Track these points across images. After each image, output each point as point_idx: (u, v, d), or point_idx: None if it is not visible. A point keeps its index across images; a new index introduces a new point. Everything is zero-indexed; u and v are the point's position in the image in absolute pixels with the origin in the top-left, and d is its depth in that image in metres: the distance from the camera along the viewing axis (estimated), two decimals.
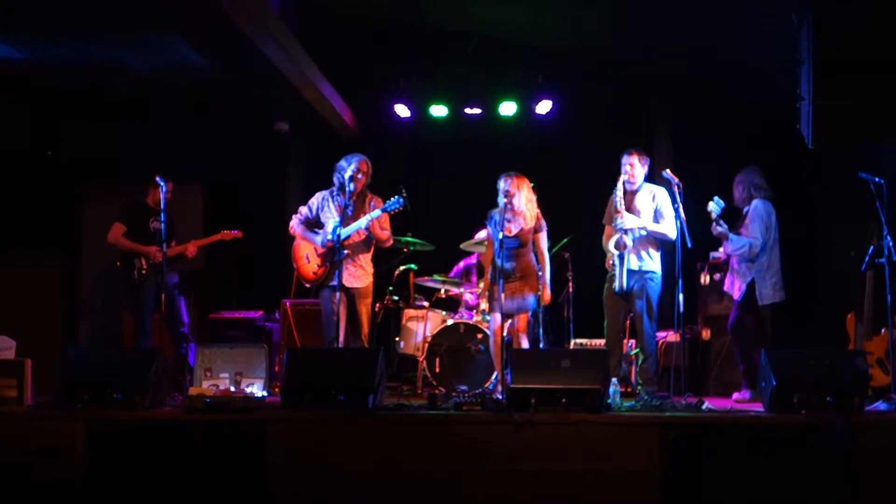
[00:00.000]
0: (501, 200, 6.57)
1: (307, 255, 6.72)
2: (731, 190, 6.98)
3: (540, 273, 6.59)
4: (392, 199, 6.53)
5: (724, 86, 8.55)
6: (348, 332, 6.68)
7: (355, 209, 6.60)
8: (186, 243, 7.39)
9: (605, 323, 6.69)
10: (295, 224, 6.78)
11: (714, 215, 6.51)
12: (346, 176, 6.51)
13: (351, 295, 6.62)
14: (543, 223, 6.66)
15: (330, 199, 6.71)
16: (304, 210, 6.79)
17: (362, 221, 6.52)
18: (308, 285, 6.85)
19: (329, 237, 6.54)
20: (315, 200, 6.77)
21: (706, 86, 8.72)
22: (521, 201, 6.49)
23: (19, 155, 9.00)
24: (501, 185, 6.54)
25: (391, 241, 6.86)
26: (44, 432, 5.34)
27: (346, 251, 6.51)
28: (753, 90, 8.19)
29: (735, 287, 6.91)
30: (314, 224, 6.75)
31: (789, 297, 6.80)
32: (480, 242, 7.66)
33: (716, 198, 6.52)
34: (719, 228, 6.60)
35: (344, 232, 6.46)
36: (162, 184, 6.65)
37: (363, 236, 6.65)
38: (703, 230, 6.72)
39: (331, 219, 6.61)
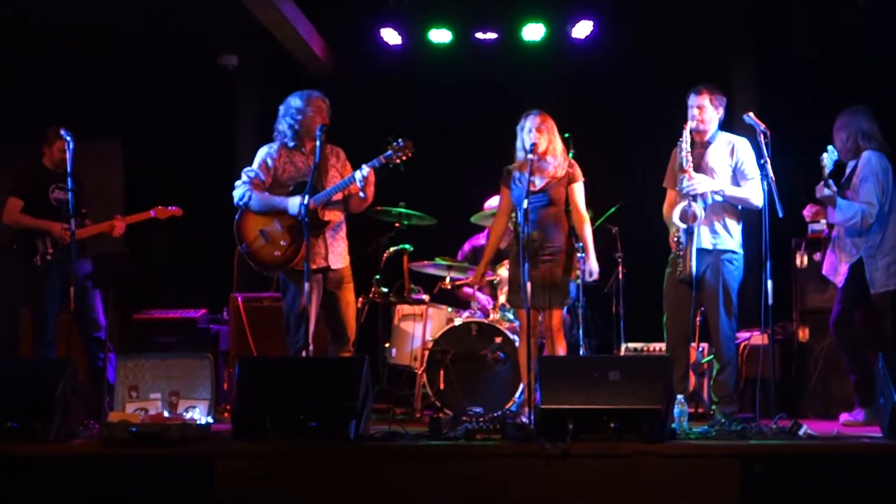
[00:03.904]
0: (521, 150, 6.55)
1: (265, 233, 6.61)
2: (832, 139, 6.97)
3: (579, 246, 6.58)
4: (394, 143, 6.45)
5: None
6: (322, 335, 6.70)
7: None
8: (110, 220, 7.36)
9: (665, 320, 6.70)
10: (247, 193, 6.59)
11: (826, 171, 6.51)
12: (309, 120, 6.48)
13: (330, 279, 6.60)
14: (578, 171, 6.67)
15: (289, 153, 6.64)
16: (251, 173, 6.63)
17: (363, 170, 6.43)
18: (270, 273, 6.85)
19: (308, 200, 6.49)
20: (267, 158, 6.65)
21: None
22: (553, 145, 6.55)
23: None
24: (527, 125, 6.53)
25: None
26: None
27: (327, 221, 6.51)
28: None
29: (838, 270, 6.89)
30: (271, 190, 6.66)
31: None
32: (494, 213, 7.59)
33: (830, 147, 6.52)
34: (827, 191, 6.58)
35: (324, 193, 6.44)
36: (68, 138, 6.61)
37: (341, 197, 6.61)
38: (800, 194, 6.70)
39: (296, 178, 6.58)
